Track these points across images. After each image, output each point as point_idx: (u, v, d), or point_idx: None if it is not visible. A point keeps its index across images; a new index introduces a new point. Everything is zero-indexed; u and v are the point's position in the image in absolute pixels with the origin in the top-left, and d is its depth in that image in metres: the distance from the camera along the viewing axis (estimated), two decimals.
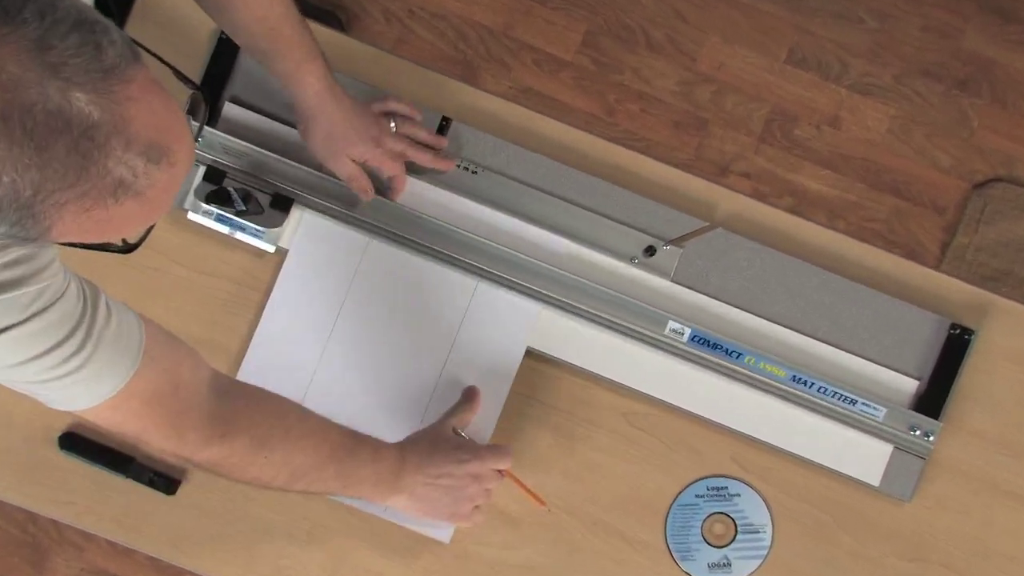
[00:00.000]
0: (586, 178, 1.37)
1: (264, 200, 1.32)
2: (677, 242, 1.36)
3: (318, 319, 1.33)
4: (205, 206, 1.32)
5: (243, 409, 1.11)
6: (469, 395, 1.30)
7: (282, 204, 1.33)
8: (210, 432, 1.07)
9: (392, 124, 1.32)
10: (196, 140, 0.84)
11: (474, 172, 1.37)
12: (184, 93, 0.94)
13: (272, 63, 1.22)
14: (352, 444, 1.19)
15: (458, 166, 1.36)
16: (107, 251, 0.84)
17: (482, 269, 1.34)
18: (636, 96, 2.14)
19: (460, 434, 1.27)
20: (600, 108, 2.12)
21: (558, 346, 1.35)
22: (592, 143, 1.39)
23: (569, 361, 1.35)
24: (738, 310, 1.36)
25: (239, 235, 1.33)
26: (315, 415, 1.18)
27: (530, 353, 1.35)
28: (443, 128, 1.38)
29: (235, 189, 1.32)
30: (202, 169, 1.33)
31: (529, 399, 1.36)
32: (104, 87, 0.74)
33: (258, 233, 1.33)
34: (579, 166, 1.37)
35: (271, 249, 1.34)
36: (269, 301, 1.34)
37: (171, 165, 0.78)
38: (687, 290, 1.36)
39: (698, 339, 1.34)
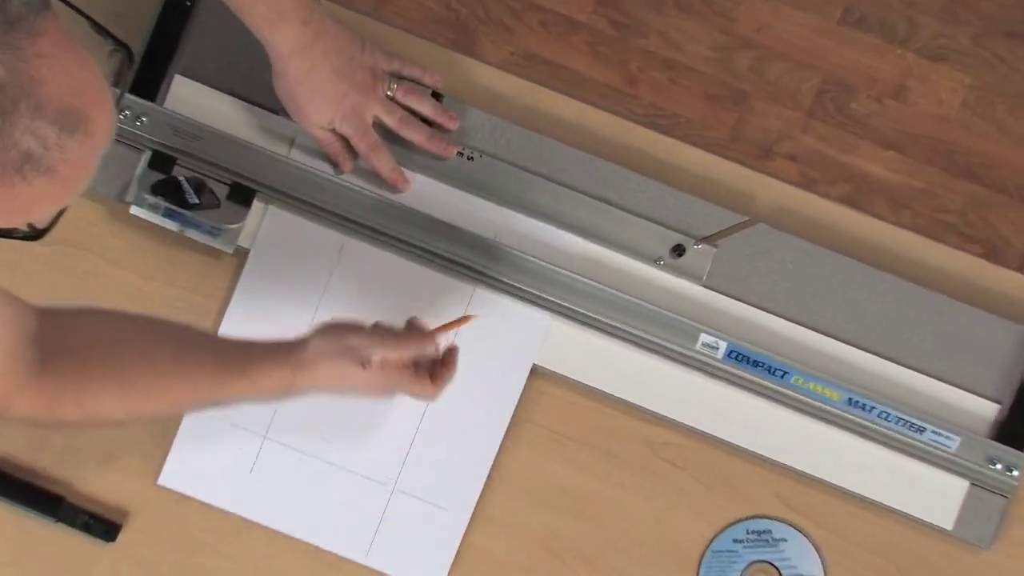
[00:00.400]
0: (603, 165, 1.37)
1: (221, 191, 1.33)
2: (711, 240, 1.36)
3: (285, 333, 1.29)
4: (151, 198, 1.32)
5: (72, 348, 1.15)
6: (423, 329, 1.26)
7: (242, 196, 1.34)
8: (34, 383, 1.11)
9: (392, 87, 1.33)
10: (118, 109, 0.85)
11: (470, 158, 1.37)
12: (105, 53, 0.94)
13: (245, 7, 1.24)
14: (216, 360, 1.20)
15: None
16: (10, 237, 0.83)
17: (480, 273, 1.35)
18: (663, 64, 2.14)
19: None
20: (620, 79, 2.13)
21: (570, 363, 1.36)
22: (610, 123, 1.40)
23: (583, 381, 1.36)
24: (783, 320, 1.36)
25: (190, 232, 1.33)
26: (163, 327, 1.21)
27: (537, 372, 1.36)
28: None
29: (186, 178, 1.32)
30: (147, 154, 1.34)
31: (535, 426, 1.37)
32: (7, 41, 0.73)
33: (214, 230, 1.33)
34: (595, 151, 1.37)
35: (229, 250, 1.34)
36: (227, 312, 1.35)
37: (88, 136, 0.78)
38: (723, 297, 1.37)
39: (736, 355, 1.34)
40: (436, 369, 1.25)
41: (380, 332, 1.23)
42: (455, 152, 1.35)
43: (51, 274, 1.26)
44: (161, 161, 1.33)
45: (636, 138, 1.39)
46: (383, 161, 1.34)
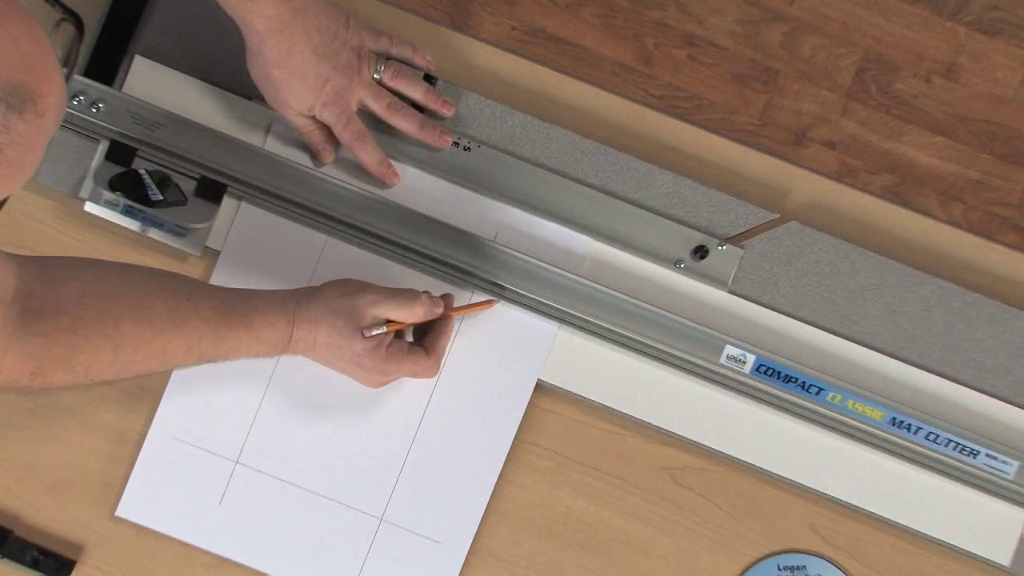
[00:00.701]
0: (616, 156, 1.38)
1: (188, 186, 1.33)
2: (736, 240, 1.37)
3: None
4: (108, 194, 1.32)
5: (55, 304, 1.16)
6: (424, 298, 1.30)
7: (211, 192, 1.34)
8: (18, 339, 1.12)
9: (379, 69, 1.33)
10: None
11: (467, 149, 1.37)
12: (52, 23, 0.94)
13: None
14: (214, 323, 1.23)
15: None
16: None
17: (478, 277, 1.35)
18: (683, 39, 2.15)
19: (382, 330, 1.28)
20: (634, 55, 2.14)
21: (579, 379, 1.36)
22: (623, 108, 1.40)
23: (593, 399, 1.36)
24: (818, 330, 1.37)
25: (153, 232, 1.34)
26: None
27: (542, 388, 1.36)
28: None
29: (148, 172, 1.32)
30: (104, 145, 1.34)
31: (540, 449, 1.37)
32: None
33: (179, 230, 1.33)
34: (607, 140, 1.38)
35: (197, 252, 1.34)
36: None
37: (38, 116, 0.78)
38: (750, 304, 1.37)
39: (765, 369, 1.35)
40: (428, 341, 1.29)
41: (394, 292, 1.26)
42: (450, 142, 1.35)
43: None
44: (120, 152, 1.33)
45: (653, 125, 1.39)
46: (369, 152, 1.34)
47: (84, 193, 1.34)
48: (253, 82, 1.31)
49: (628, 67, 2.12)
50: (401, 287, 1.28)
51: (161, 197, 1.32)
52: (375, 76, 1.33)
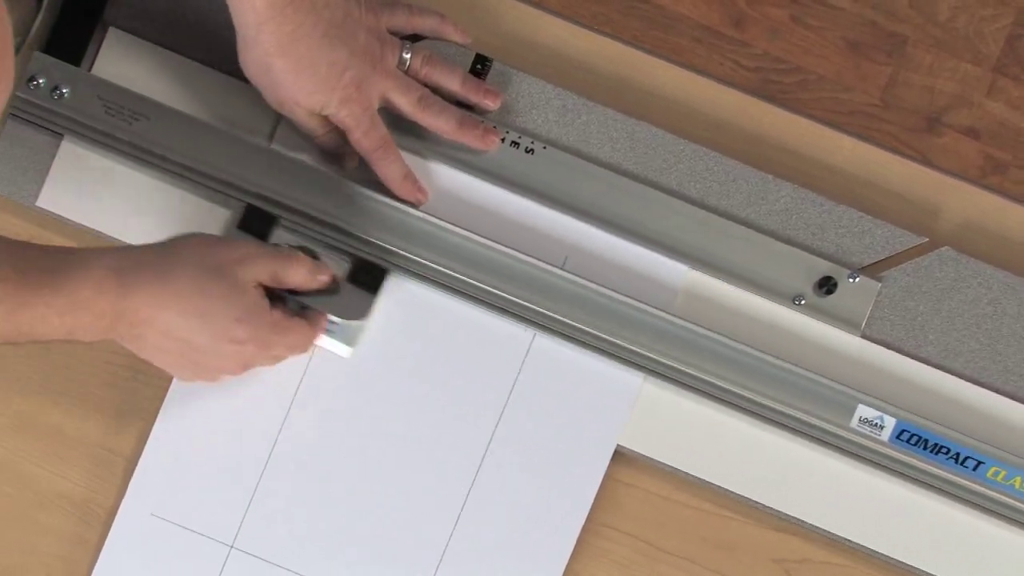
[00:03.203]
0: (720, 161, 1.33)
1: (339, 268, 1.30)
2: (872, 270, 1.32)
3: (263, 399, 1.32)
4: None
5: None
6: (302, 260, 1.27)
7: (367, 277, 1.30)
8: None
9: (406, 55, 1.29)
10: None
11: (529, 150, 1.32)
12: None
13: None
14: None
15: (501, 140, 1.32)
16: None
17: (543, 314, 1.30)
18: None
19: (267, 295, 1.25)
20: (722, 16, 2.13)
21: (669, 445, 1.32)
22: (730, 100, 1.36)
23: (687, 471, 1.32)
24: (976, 387, 1.32)
25: None
26: None
27: (622, 456, 1.32)
28: (476, 75, 1.33)
29: (291, 248, 1.28)
30: (238, 209, 1.31)
31: (618, 534, 1.33)
32: None
33: (328, 326, 1.30)
34: (708, 140, 1.34)
35: (345, 355, 1.32)
36: (171, 386, 1.31)
37: None
38: (889, 352, 1.32)
39: (908, 436, 1.29)
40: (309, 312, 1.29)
41: (269, 250, 1.24)
42: (497, 142, 1.31)
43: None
44: (256, 219, 1.30)
45: (766, 121, 1.36)
46: (393, 165, 1.30)
47: None
48: (248, 78, 1.27)
49: (713, 31, 2.10)
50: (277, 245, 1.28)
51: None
52: (404, 56, 1.29)
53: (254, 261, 1.22)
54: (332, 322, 1.30)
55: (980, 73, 2.10)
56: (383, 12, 1.29)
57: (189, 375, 1.25)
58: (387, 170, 1.29)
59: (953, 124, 2.09)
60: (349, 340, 1.31)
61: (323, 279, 1.26)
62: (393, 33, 1.30)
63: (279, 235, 1.29)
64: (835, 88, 2.08)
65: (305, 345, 1.27)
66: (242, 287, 1.21)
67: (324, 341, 1.30)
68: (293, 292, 1.28)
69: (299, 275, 1.24)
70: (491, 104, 1.31)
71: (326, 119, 1.27)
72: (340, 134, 1.30)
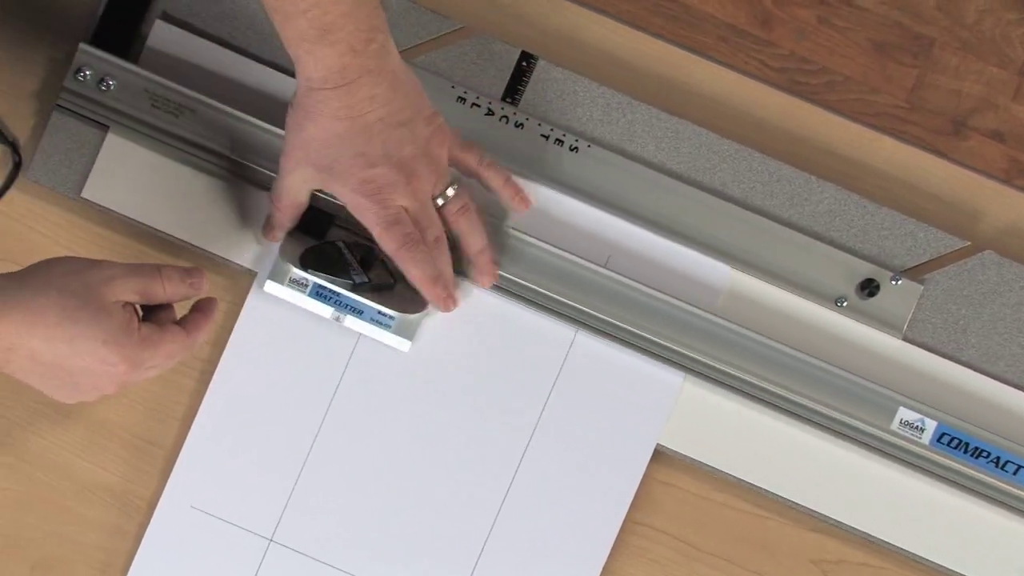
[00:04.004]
0: (764, 162, 1.34)
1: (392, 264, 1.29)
2: (915, 273, 1.33)
3: (305, 393, 1.31)
4: (298, 272, 1.30)
5: None
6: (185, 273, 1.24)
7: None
8: None
9: (450, 193, 1.27)
10: None
11: (574, 149, 1.32)
12: None
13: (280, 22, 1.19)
14: None
15: (545, 137, 1.32)
16: None
17: (585, 312, 1.30)
18: None
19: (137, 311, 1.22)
20: (748, 16, 2.13)
21: (709, 445, 1.32)
22: (774, 101, 1.35)
23: (726, 471, 1.32)
24: (1017, 391, 1.32)
25: (350, 321, 1.31)
26: None
27: (661, 456, 1.32)
28: (521, 73, 1.33)
29: (347, 245, 1.29)
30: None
31: (657, 534, 1.33)
32: None
33: (384, 319, 1.30)
34: (752, 140, 1.34)
35: (404, 348, 1.32)
36: (214, 378, 1.32)
37: None
38: (931, 355, 1.33)
39: (948, 439, 1.30)
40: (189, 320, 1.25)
41: (133, 268, 1.20)
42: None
43: None
44: (314, 221, 1.30)
45: (810, 122, 1.36)
46: (417, 269, 1.29)
47: (263, 270, 1.32)
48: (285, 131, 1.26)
49: (739, 30, 2.10)
50: (141, 262, 1.24)
51: (366, 279, 1.29)
52: (438, 200, 1.27)
53: (118, 281, 1.19)
54: (390, 317, 1.30)
55: (1006, 77, 2.08)
56: (455, 146, 1.28)
57: (67, 396, 1.22)
58: (405, 270, 1.28)
59: (978, 127, 2.08)
60: (407, 334, 1.30)
61: (196, 280, 1.23)
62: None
63: (335, 233, 1.30)
64: (862, 89, 2.08)
65: (183, 351, 1.23)
66: (108, 309, 1.18)
67: (383, 336, 1.30)
68: (333, 293, 1.29)
69: (169, 287, 1.22)
70: (522, 206, 1.31)
71: (317, 193, 1.27)
72: (299, 212, 1.29)
